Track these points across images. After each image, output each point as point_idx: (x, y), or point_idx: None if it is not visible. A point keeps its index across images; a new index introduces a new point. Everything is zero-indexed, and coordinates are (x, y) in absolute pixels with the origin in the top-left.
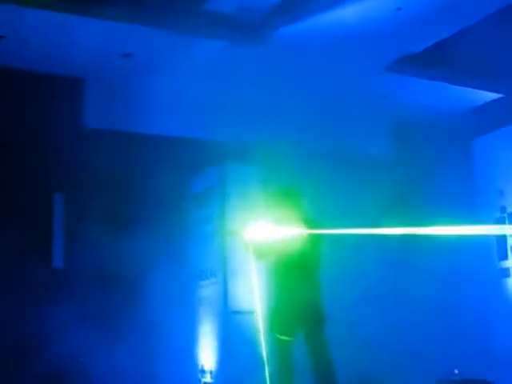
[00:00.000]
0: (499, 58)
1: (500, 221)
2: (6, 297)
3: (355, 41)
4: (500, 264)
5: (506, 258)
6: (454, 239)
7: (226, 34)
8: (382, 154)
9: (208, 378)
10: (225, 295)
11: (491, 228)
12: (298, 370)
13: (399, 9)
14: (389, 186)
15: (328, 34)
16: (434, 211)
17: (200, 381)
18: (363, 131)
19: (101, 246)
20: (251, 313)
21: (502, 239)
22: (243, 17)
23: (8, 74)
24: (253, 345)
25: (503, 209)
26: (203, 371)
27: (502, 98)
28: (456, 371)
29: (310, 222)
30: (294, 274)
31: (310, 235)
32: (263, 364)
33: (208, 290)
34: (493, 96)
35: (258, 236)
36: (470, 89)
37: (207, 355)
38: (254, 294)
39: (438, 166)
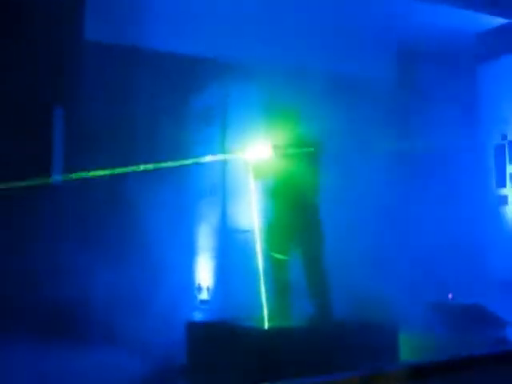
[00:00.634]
0: None
1: (500, 148)
2: (4, 216)
3: None
4: (498, 191)
5: (504, 185)
6: (453, 165)
7: None
8: (384, 76)
9: (205, 295)
10: (223, 213)
11: None
12: (294, 288)
13: None
14: (389, 111)
15: None
16: (434, 137)
17: (197, 298)
18: (365, 52)
19: (99, 162)
20: (249, 231)
21: (501, 167)
22: None
23: None
24: (250, 263)
25: (504, 136)
26: (200, 288)
27: (509, 23)
28: (450, 295)
29: (309, 143)
30: (292, 193)
31: (308, 155)
32: (260, 282)
33: (207, 208)
34: (499, 21)
35: (258, 156)
36: (476, 12)
37: (204, 273)
38: (252, 212)
39: (440, 92)
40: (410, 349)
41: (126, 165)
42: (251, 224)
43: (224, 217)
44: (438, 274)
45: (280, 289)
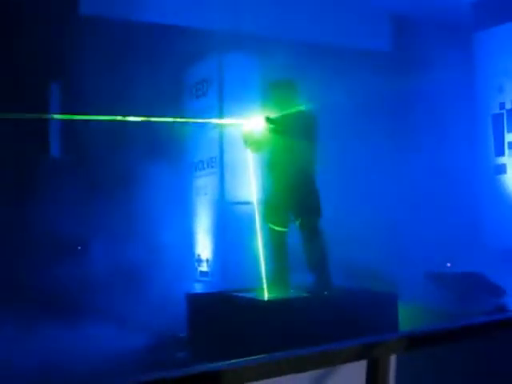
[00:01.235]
0: None
1: (498, 117)
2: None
3: None
4: (496, 160)
5: (502, 154)
6: (451, 135)
7: None
8: (381, 49)
9: (204, 267)
10: (221, 185)
11: None
12: (292, 261)
13: None
14: (387, 82)
15: None
16: (432, 108)
17: (197, 269)
18: (363, 25)
19: (97, 137)
20: (247, 203)
21: (499, 135)
22: None
23: None
24: (248, 235)
25: (502, 105)
26: (200, 260)
27: None
28: (448, 264)
29: (304, 115)
30: (288, 165)
31: (304, 127)
32: (258, 254)
33: (204, 181)
34: None
35: (254, 128)
36: None
37: (204, 245)
38: (250, 184)
39: (437, 62)
40: (408, 318)
41: (123, 138)
42: (250, 196)
43: (222, 189)
44: (436, 243)
45: (279, 260)
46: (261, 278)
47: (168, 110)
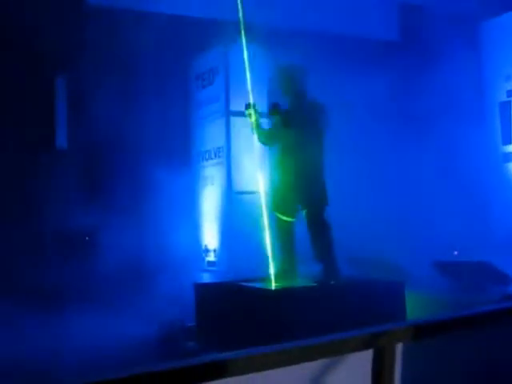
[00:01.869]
0: None
1: (505, 105)
2: (12, 181)
3: None
4: (504, 148)
5: (510, 142)
6: (458, 123)
7: None
8: (388, 37)
9: (212, 257)
10: (228, 175)
11: None
12: (299, 251)
13: None
14: (394, 71)
15: None
16: (439, 95)
17: (204, 259)
18: (369, 13)
19: (104, 127)
20: (254, 193)
21: (507, 123)
22: None
23: None
24: (256, 224)
25: (509, 93)
26: (207, 250)
27: None
28: (455, 253)
29: (313, 105)
30: (295, 155)
31: (312, 116)
32: (265, 243)
33: (211, 171)
34: None
35: (260, 117)
36: None
37: (211, 235)
38: (257, 174)
39: (444, 50)
40: (416, 307)
41: (130, 128)
42: (257, 185)
43: (229, 179)
44: (443, 232)
45: (286, 250)
46: (268, 268)
47: (175, 99)
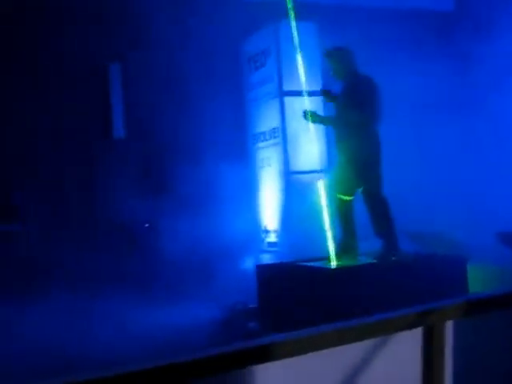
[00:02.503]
0: None
1: None
2: (70, 170)
3: None
4: None
5: None
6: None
7: None
8: (441, 8)
9: (272, 238)
10: (285, 156)
11: None
12: (359, 228)
13: None
14: (448, 42)
15: None
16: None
17: (264, 240)
18: None
19: (159, 115)
20: (312, 172)
21: None
22: None
23: None
24: (314, 203)
25: None
26: (267, 231)
27: None
28: None
29: (366, 85)
30: (354, 135)
31: (364, 98)
32: (324, 222)
33: (268, 152)
34: None
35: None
36: None
37: (270, 216)
38: (313, 153)
39: (496, 21)
40: (479, 280)
41: (185, 115)
42: (314, 165)
43: (286, 159)
44: (506, 203)
45: (346, 228)
46: (328, 247)
47: (228, 82)
